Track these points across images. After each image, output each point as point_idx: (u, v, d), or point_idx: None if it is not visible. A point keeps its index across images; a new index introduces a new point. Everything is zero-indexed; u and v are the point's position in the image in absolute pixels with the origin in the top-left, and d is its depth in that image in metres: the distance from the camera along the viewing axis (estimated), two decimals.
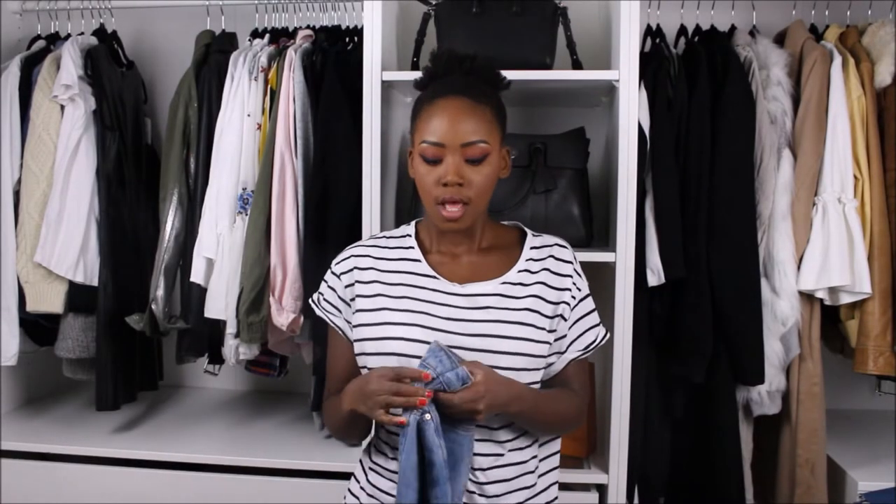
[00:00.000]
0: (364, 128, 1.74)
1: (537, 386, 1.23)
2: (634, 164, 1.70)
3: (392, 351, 1.19)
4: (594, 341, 1.28)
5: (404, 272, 1.25)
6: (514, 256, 1.27)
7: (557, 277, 1.25)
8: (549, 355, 1.24)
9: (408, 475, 1.11)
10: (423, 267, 1.25)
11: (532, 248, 1.28)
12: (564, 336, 1.25)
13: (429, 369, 1.11)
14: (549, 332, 1.22)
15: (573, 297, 1.25)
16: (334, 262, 1.31)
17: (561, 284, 1.25)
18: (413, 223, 1.34)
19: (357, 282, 1.26)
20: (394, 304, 1.22)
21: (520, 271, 1.25)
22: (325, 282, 1.31)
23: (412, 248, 1.29)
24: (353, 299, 1.26)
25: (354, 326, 1.25)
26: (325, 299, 1.31)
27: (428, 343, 1.16)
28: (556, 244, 1.30)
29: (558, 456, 1.31)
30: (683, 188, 1.78)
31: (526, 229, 1.33)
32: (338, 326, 1.29)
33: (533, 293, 1.23)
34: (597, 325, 1.29)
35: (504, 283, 1.23)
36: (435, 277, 1.24)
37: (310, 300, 1.34)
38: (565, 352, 1.25)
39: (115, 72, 2.06)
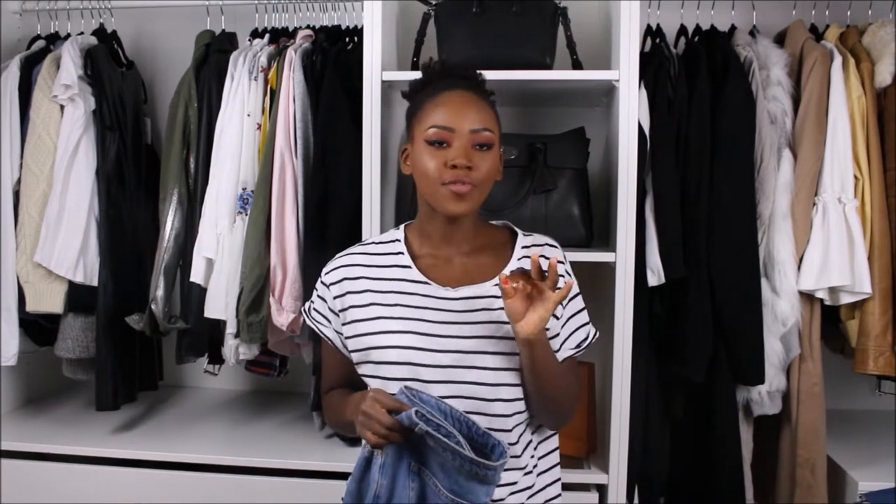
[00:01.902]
0: (364, 128, 1.73)
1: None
2: (634, 164, 1.69)
3: (388, 359, 1.19)
4: (585, 339, 1.29)
5: (395, 279, 1.25)
6: (505, 257, 1.27)
7: None
8: None
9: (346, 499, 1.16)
10: (414, 273, 1.25)
11: (523, 247, 1.29)
12: (557, 335, 1.25)
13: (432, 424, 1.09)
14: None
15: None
16: (324, 271, 1.31)
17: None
18: (402, 227, 1.33)
19: (348, 292, 1.26)
20: (387, 311, 1.22)
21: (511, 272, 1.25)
22: (316, 290, 1.32)
23: (402, 253, 1.28)
24: (343, 310, 1.26)
25: (350, 337, 1.25)
26: (315, 309, 1.32)
27: (424, 349, 1.17)
28: (547, 244, 1.30)
29: (557, 453, 1.31)
30: (683, 188, 1.78)
31: (516, 229, 1.33)
32: (327, 337, 1.30)
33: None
34: (587, 323, 1.30)
35: (496, 284, 1.22)
36: (426, 283, 1.24)
37: (302, 309, 1.35)
38: (559, 350, 1.25)
39: (115, 72, 2.06)
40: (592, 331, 1.31)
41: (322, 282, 1.30)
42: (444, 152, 1.18)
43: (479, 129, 1.19)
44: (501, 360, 1.18)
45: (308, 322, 1.33)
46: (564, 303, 1.25)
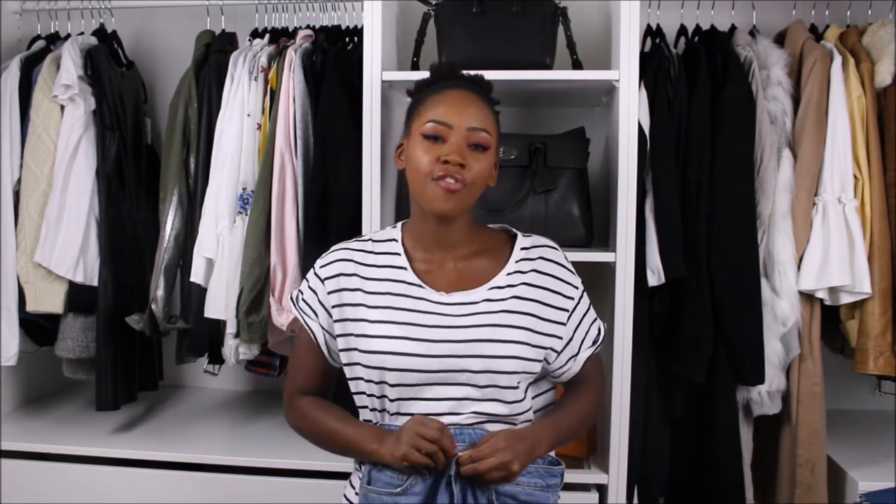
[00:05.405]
0: (364, 128, 1.73)
1: (531, 385, 1.24)
2: (634, 164, 1.70)
3: (380, 365, 1.18)
4: (598, 334, 1.31)
5: (390, 280, 1.23)
6: (502, 260, 1.26)
7: (550, 279, 1.25)
8: (560, 352, 1.24)
9: None
10: (409, 275, 1.23)
11: (522, 248, 1.28)
12: (572, 339, 1.26)
13: None
14: (543, 335, 1.22)
15: (571, 299, 1.26)
16: (318, 263, 1.28)
17: (554, 287, 1.25)
18: (399, 225, 1.31)
19: (343, 289, 1.23)
20: (380, 314, 1.20)
21: (508, 274, 1.24)
22: (307, 281, 1.28)
23: (398, 254, 1.26)
24: (335, 307, 1.23)
25: (340, 335, 1.23)
26: (303, 299, 1.28)
27: (416, 354, 1.16)
28: (547, 245, 1.29)
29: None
30: (683, 188, 1.78)
31: (515, 231, 1.32)
32: (311, 329, 1.27)
33: (521, 295, 1.22)
34: (596, 318, 1.31)
35: (491, 288, 1.22)
36: (421, 286, 1.22)
37: (290, 297, 1.33)
38: (579, 353, 1.27)
39: (115, 72, 2.05)
40: (602, 325, 1.33)
41: (316, 274, 1.27)
42: (439, 147, 1.17)
43: (477, 128, 1.18)
44: (497, 362, 1.17)
45: (294, 311, 1.29)
46: (570, 307, 1.25)
